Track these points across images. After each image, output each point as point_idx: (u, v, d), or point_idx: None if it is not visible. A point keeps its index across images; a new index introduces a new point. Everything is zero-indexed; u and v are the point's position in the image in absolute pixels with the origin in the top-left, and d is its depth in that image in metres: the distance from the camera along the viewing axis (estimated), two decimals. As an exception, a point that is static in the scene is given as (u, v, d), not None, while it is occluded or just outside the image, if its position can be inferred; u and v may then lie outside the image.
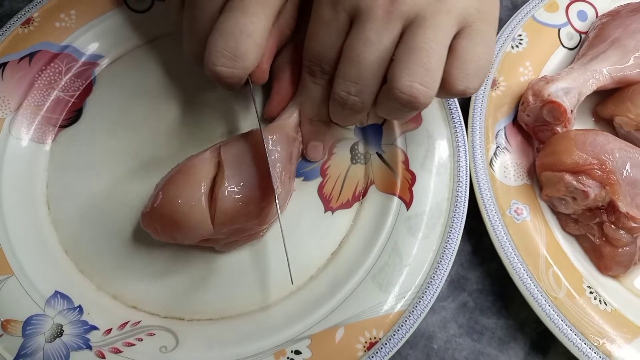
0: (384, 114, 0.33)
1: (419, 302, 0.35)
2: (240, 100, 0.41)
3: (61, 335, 0.34)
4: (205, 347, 0.34)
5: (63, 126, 0.40)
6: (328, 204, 0.39)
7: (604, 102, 0.43)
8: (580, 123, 0.43)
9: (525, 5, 0.45)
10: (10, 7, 0.46)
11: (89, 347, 0.34)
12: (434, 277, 0.35)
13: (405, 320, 0.34)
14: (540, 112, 0.39)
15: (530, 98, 0.39)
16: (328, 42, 0.32)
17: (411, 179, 0.38)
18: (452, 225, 0.37)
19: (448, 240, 0.36)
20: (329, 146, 0.40)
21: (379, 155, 0.40)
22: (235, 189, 0.32)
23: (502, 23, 0.45)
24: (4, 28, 0.40)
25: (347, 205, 0.39)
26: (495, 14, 0.32)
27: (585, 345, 0.35)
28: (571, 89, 0.39)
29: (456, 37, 0.30)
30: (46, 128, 0.40)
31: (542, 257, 0.37)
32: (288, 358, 0.33)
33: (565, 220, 0.39)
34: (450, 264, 0.36)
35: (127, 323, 0.35)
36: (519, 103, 0.41)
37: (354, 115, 0.34)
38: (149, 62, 0.42)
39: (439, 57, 0.29)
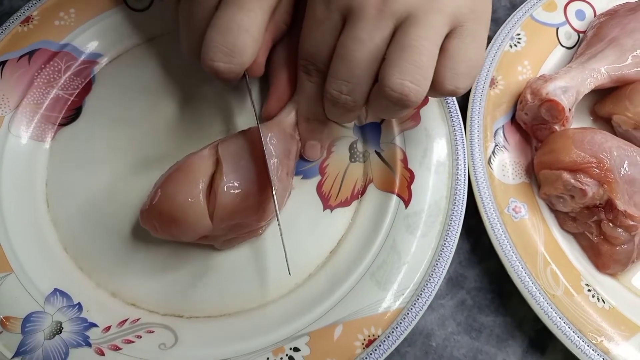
0: (375, 113, 0.33)
1: (417, 299, 0.35)
2: (239, 98, 0.41)
3: (60, 333, 0.34)
4: (204, 344, 0.34)
5: (62, 124, 0.40)
6: (327, 202, 0.39)
7: (602, 100, 0.43)
8: (578, 122, 0.43)
9: (523, 4, 0.45)
10: (9, 5, 0.46)
11: (88, 344, 0.34)
12: (432, 275, 0.35)
13: (404, 318, 0.34)
14: (538, 111, 0.39)
15: (529, 97, 0.39)
16: (322, 41, 0.32)
17: (410, 177, 0.38)
18: (451, 224, 0.37)
19: (446, 238, 0.36)
20: (326, 145, 0.40)
21: (378, 154, 0.40)
22: (234, 184, 0.33)
23: (500, 22, 0.45)
24: (4, 26, 0.40)
25: (345, 203, 0.39)
26: (487, 14, 0.32)
27: (583, 343, 0.35)
28: (569, 88, 0.39)
29: (448, 36, 0.30)
30: (45, 126, 0.40)
31: (540, 255, 0.38)
32: (287, 355, 0.34)
33: (563, 219, 0.39)
34: (449, 261, 0.36)
35: (126, 320, 0.35)
36: (517, 102, 0.41)
37: (347, 114, 0.34)
38: (148, 60, 0.42)
39: (430, 55, 0.29)
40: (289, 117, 0.37)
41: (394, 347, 0.34)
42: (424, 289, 0.35)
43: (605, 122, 0.43)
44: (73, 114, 0.40)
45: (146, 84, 0.41)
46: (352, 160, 0.40)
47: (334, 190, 0.39)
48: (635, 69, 0.41)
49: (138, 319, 0.35)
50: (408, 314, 0.34)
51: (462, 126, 0.40)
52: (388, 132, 0.40)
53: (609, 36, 0.42)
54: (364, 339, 0.34)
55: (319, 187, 0.39)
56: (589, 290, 0.37)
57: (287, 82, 0.37)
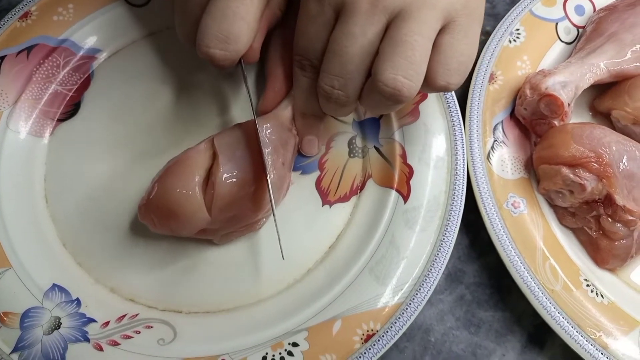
0: (368, 107, 0.33)
1: (416, 294, 0.35)
2: (238, 94, 0.41)
3: (59, 328, 0.34)
4: (202, 339, 0.34)
5: (61, 120, 0.40)
6: (326, 198, 0.39)
7: (601, 96, 0.43)
8: (577, 117, 0.43)
9: (523, -1, 0.45)
10: (8, 1, 0.46)
11: (87, 340, 0.34)
12: (431, 270, 0.35)
13: (403, 313, 0.34)
14: (537, 106, 0.39)
15: (528, 92, 0.39)
16: (315, 36, 0.32)
17: (409, 172, 0.38)
18: (450, 219, 0.37)
19: (445, 233, 0.36)
20: (324, 140, 0.40)
21: (377, 149, 0.40)
22: (231, 174, 0.33)
23: (499, 17, 0.45)
24: (2, 22, 0.40)
25: (344, 198, 0.39)
26: (480, 9, 0.32)
27: (582, 338, 0.35)
28: (568, 83, 0.39)
29: (440, 32, 0.30)
30: (44, 122, 0.40)
31: (539, 250, 0.38)
32: (285, 350, 0.34)
33: (562, 214, 0.39)
34: (448, 256, 0.36)
35: (124, 316, 0.35)
36: (517, 97, 0.41)
37: (341, 108, 0.34)
38: (147, 56, 0.42)
39: (423, 51, 0.29)
40: (285, 110, 0.37)
41: (392, 342, 0.34)
42: (423, 284, 0.35)
43: (605, 117, 0.43)
44: (72, 110, 0.40)
45: (145, 79, 0.41)
46: (351, 155, 0.40)
47: (333, 185, 0.39)
48: (635, 64, 0.41)
49: (137, 315, 0.35)
50: (407, 309, 0.34)
51: (461, 121, 0.39)
52: (387, 128, 0.40)
53: (608, 31, 0.42)
54: (363, 334, 0.34)
55: (318, 183, 0.39)
56: (587, 285, 0.37)
57: (283, 77, 0.37)
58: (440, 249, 0.36)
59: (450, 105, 0.40)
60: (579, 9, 0.46)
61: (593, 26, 0.44)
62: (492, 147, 0.40)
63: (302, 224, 0.38)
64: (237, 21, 0.31)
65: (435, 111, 0.40)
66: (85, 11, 0.41)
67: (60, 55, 0.40)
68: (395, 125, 0.40)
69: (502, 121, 0.41)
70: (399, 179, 0.38)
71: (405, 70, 0.29)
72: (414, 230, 0.37)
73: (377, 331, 0.34)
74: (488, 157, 0.40)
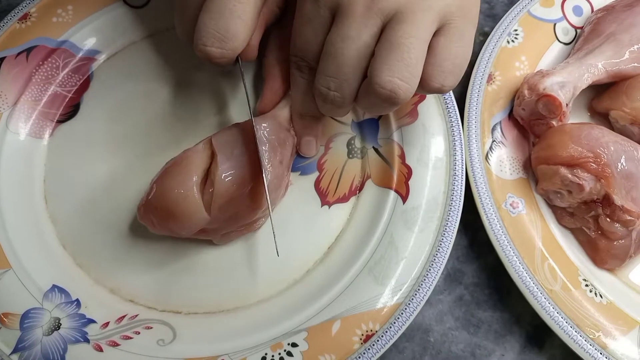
0: (364, 109, 0.33)
1: (415, 295, 0.35)
2: (237, 95, 0.41)
3: (59, 329, 0.34)
4: (202, 340, 0.34)
5: (60, 121, 0.40)
6: (325, 198, 0.39)
7: (599, 96, 0.43)
8: (575, 117, 0.43)
9: (521, 0, 0.45)
10: (7, 2, 0.46)
11: (87, 341, 0.34)
12: (430, 270, 0.35)
13: (402, 313, 0.34)
14: (535, 106, 0.39)
15: (526, 92, 0.39)
16: (312, 37, 0.33)
17: (407, 173, 0.38)
18: (448, 219, 0.37)
19: (444, 234, 0.36)
20: (323, 141, 0.40)
21: (376, 150, 0.40)
22: (229, 172, 0.33)
23: (498, 18, 0.46)
24: (2, 23, 0.40)
25: (343, 199, 0.39)
26: (475, 12, 0.32)
27: (581, 338, 0.35)
28: (566, 83, 0.39)
29: (435, 34, 0.31)
30: (44, 123, 0.40)
31: (538, 250, 0.38)
32: (285, 350, 0.34)
33: (560, 214, 0.39)
34: (446, 257, 0.36)
35: (124, 316, 0.35)
36: (515, 97, 0.41)
37: (337, 109, 0.34)
38: (146, 57, 0.42)
39: (419, 53, 0.29)
40: (283, 110, 0.37)
41: (391, 342, 0.34)
42: (422, 285, 0.35)
43: (603, 118, 0.43)
44: (71, 111, 0.40)
45: (144, 80, 0.41)
46: (350, 156, 0.40)
47: (332, 186, 0.39)
48: (632, 64, 0.41)
49: (136, 315, 0.35)
50: (406, 309, 0.35)
51: (460, 122, 0.40)
52: (386, 128, 0.40)
53: (606, 32, 0.42)
54: (362, 335, 0.34)
55: (317, 183, 0.39)
56: (586, 285, 0.37)
57: (281, 78, 0.37)
58: (439, 250, 0.36)
59: (449, 106, 0.40)
60: (577, 10, 0.46)
61: (591, 27, 0.44)
62: (491, 148, 0.40)
63: (301, 225, 0.38)
64: (234, 19, 0.31)
65: (433, 112, 0.40)
66: (84, 13, 0.41)
67: (60, 56, 0.40)
68: (394, 126, 0.40)
69: (500, 121, 0.41)
70: (398, 180, 0.38)
71: (401, 73, 0.29)
72: (412, 231, 0.37)
73: (377, 331, 0.34)
74: (486, 157, 0.40)
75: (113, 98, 0.41)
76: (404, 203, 0.38)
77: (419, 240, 0.36)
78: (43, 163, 0.39)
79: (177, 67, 0.42)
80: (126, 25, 0.42)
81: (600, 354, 0.35)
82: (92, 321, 0.34)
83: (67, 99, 0.41)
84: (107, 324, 0.35)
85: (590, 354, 0.35)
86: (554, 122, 0.39)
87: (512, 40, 0.44)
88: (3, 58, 0.39)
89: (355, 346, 0.34)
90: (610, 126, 0.42)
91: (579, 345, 0.35)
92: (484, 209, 0.38)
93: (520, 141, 0.42)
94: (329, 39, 0.31)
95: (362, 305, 0.35)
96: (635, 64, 0.41)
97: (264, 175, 0.33)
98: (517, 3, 0.45)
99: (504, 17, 0.45)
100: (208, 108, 0.41)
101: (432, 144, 0.39)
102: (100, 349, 0.33)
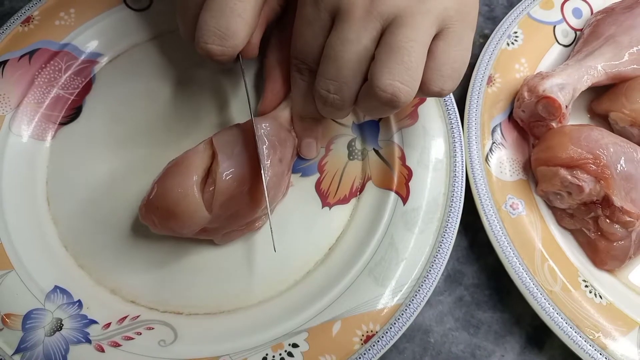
0: (364, 112, 0.33)
1: (415, 296, 0.35)
2: (239, 97, 0.41)
3: (61, 329, 0.34)
4: (203, 340, 0.35)
5: (63, 123, 0.40)
6: (325, 200, 0.39)
7: (599, 98, 0.43)
8: (575, 119, 0.43)
9: (520, 2, 0.46)
10: (10, 6, 0.46)
11: (89, 341, 0.34)
12: (430, 271, 0.36)
13: (402, 314, 0.35)
14: (535, 108, 0.39)
15: (526, 94, 0.40)
16: (312, 40, 0.33)
17: (408, 174, 0.39)
18: (448, 220, 0.37)
19: (444, 235, 0.37)
20: (323, 143, 0.40)
21: (376, 151, 0.40)
22: (230, 170, 0.33)
23: (497, 20, 0.46)
24: (5, 27, 0.40)
25: (344, 200, 0.39)
26: (474, 16, 0.32)
27: (580, 339, 0.35)
28: (566, 85, 0.39)
29: (434, 38, 0.31)
30: (46, 125, 0.40)
31: (538, 252, 0.38)
32: (285, 351, 0.34)
33: (560, 215, 0.40)
34: (447, 258, 0.36)
35: (126, 317, 0.35)
36: (515, 99, 0.41)
37: (337, 112, 0.34)
38: (148, 60, 0.42)
39: (419, 56, 0.30)
40: (284, 111, 0.37)
41: (392, 343, 0.34)
42: (422, 285, 0.35)
43: (602, 119, 0.43)
44: (73, 113, 0.41)
45: (146, 83, 0.42)
46: (351, 157, 0.41)
47: (333, 187, 0.40)
48: (632, 66, 0.41)
49: (138, 316, 0.35)
50: (406, 310, 0.35)
51: (460, 124, 0.40)
52: (386, 130, 0.40)
53: (605, 34, 0.42)
54: (363, 335, 0.34)
55: (318, 185, 0.40)
56: (586, 286, 0.37)
57: (282, 79, 0.38)
58: (439, 251, 0.36)
59: (449, 107, 0.40)
60: (577, 12, 0.46)
61: (590, 29, 0.44)
62: (491, 149, 0.40)
63: (302, 226, 0.38)
64: (235, 17, 0.31)
65: (434, 114, 0.40)
66: (86, 16, 0.41)
67: (62, 59, 0.41)
68: (394, 127, 0.40)
69: (500, 123, 0.42)
70: (398, 181, 0.39)
71: (401, 76, 0.29)
72: (413, 232, 0.37)
73: (377, 332, 0.34)
74: (486, 159, 0.40)
75: (115, 100, 0.41)
76: (404, 204, 0.38)
77: (419, 242, 0.37)
78: (45, 165, 0.39)
79: (179, 69, 0.42)
80: (128, 28, 0.42)
81: (600, 354, 0.35)
82: (93, 322, 0.35)
83: (70, 102, 0.41)
84: (108, 324, 0.35)
85: (590, 355, 0.35)
86: (554, 124, 0.40)
87: (512, 43, 0.44)
88: (6, 61, 0.39)
89: (356, 347, 0.34)
90: (610, 128, 0.42)
91: (579, 346, 0.35)
92: (484, 210, 0.38)
93: (520, 143, 0.42)
94: (329, 42, 0.32)
95: (362, 306, 0.35)
96: (635, 66, 0.41)
97: (262, 172, 0.33)
98: (517, 5, 0.46)
99: (504, 19, 0.45)
100: (209, 109, 0.41)
101: (433, 145, 0.39)
102: (101, 350, 0.34)
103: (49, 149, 0.40)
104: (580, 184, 0.37)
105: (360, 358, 0.34)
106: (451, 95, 0.40)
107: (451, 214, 0.37)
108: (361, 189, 0.40)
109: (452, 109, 0.40)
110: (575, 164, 0.37)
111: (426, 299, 0.35)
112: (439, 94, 0.32)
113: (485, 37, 0.46)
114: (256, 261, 0.37)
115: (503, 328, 0.39)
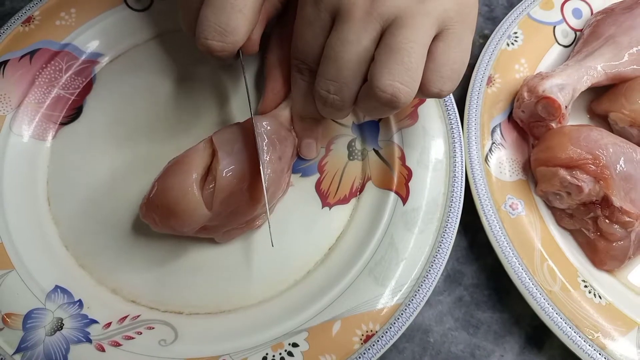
0: (364, 112, 0.34)
1: (415, 296, 0.35)
2: (240, 97, 0.42)
3: (61, 329, 0.34)
4: (203, 340, 0.35)
5: (63, 123, 0.40)
6: (325, 200, 0.39)
7: (598, 98, 0.43)
8: (575, 119, 0.43)
9: (520, 3, 0.46)
10: (11, 6, 0.46)
11: (89, 341, 0.34)
12: (429, 271, 0.36)
13: (402, 314, 0.35)
14: (535, 108, 0.39)
15: (525, 94, 0.40)
16: (312, 40, 0.33)
17: (407, 174, 0.39)
18: (448, 220, 0.37)
19: (444, 235, 0.37)
20: (323, 143, 0.40)
21: (376, 152, 0.40)
22: (230, 167, 0.33)
23: (497, 20, 0.46)
24: (5, 27, 0.40)
25: (344, 200, 0.39)
26: (473, 18, 0.33)
27: (580, 339, 0.35)
28: (565, 85, 0.39)
29: (434, 39, 0.31)
30: (47, 125, 0.40)
31: (537, 252, 0.38)
32: (285, 351, 0.34)
33: (560, 215, 0.40)
34: (446, 258, 0.36)
35: (126, 317, 0.35)
36: (514, 99, 0.41)
37: (337, 112, 0.34)
38: (149, 60, 0.42)
39: (419, 57, 0.30)
40: (284, 111, 0.37)
41: (391, 342, 0.34)
42: (422, 285, 0.35)
43: (602, 120, 0.43)
44: (74, 113, 0.41)
45: (146, 83, 0.42)
46: (351, 158, 0.41)
47: (333, 187, 0.40)
48: (632, 67, 0.41)
49: (138, 316, 0.35)
50: (406, 309, 0.35)
51: (460, 124, 0.40)
52: (386, 130, 0.41)
53: (605, 34, 0.42)
54: (362, 335, 0.34)
55: (318, 185, 0.40)
56: (585, 286, 0.37)
57: (282, 79, 0.38)
58: (439, 251, 0.36)
59: (449, 108, 0.40)
60: (577, 12, 0.47)
61: (590, 29, 0.44)
62: (490, 150, 0.40)
63: (302, 226, 0.38)
64: (235, 13, 0.32)
65: (433, 114, 0.40)
66: (87, 16, 0.41)
67: (63, 59, 0.41)
68: (394, 128, 0.40)
69: (500, 124, 0.42)
70: (398, 181, 0.39)
71: (401, 77, 0.29)
72: (412, 232, 0.37)
73: (377, 332, 0.34)
74: (486, 159, 0.40)
75: (115, 100, 0.41)
76: (404, 204, 0.38)
77: (419, 242, 0.37)
78: (46, 165, 0.39)
79: (179, 69, 0.42)
80: (129, 28, 0.42)
81: (599, 354, 0.35)
82: (94, 321, 0.35)
83: (70, 102, 0.41)
84: (109, 324, 0.35)
85: (589, 355, 0.35)
86: (553, 124, 0.40)
87: (512, 43, 0.44)
88: (7, 61, 0.39)
89: (356, 346, 0.34)
90: (610, 128, 0.42)
91: (578, 346, 0.35)
92: (484, 210, 0.38)
93: (519, 143, 0.42)
94: (329, 42, 0.32)
95: (362, 305, 0.35)
96: (634, 67, 0.41)
97: (261, 167, 0.33)
98: (517, 6, 0.46)
99: (504, 19, 0.45)
100: (209, 108, 0.41)
101: (432, 146, 0.39)
102: (102, 349, 0.34)
103: (50, 149, 0.40)
104: (580, 184, 0.37)
105: (360, 358, 0.34)
106: (451, 95, 0.40)
107: (451, 214, 0.37)
108: (361, 189, 0.40)
109: (452, 109, 0.40)
110: (575, 165, 0.37)
111: (426, 298, 0.35)
112: (438, 95, 0.32)
113: (485, 38, 0.46)
114: (256, 261, 0.37)
115: (502, 328, 0.39)
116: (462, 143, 0.39)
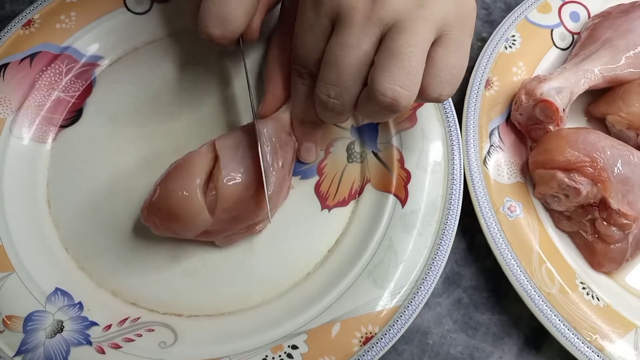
0: (364, 116, 0.34)
1: (414, 298, 0.35)
2: (240, 101, 0.42)
3: (62, 331, 0.34)
4: (203, 342, 0.35)
5: (63, 126, 0.41)
6: (325, 202, 0.39)
7: (596, 101, 0.43)
8: (573, 122, 0.44)
9: (518, 6, 0.46)
10: (11, 9, 0.46)
11: (89, 343, 0.34)
12: (428, 273, 0.36)
13: (401, 316, 0.35)
14: (532, 111, 0.40)
15: (523, 97, 0.40)
16: (313, 45, 0.33)
17: (406, 177, 0.39)
18: (447, 222, 0.37)
19: (442, 237, 0.37)
20: (322, 146, 0.41)
21: (375, 154, 0.41)
22: (233, 175, 0.33)
23: (495, 24, 0.46)
24: (6, 30, 0.40)
25: (343, 203, 0.40)
26: (472, 22, 0.33)
27: (578, 340, 0.36)
28: (563, 88, 0.39)
29: (433, 44, 0.31)
30: (47, 128, 0.40)
31: (536, 254, 0.38)
32: (285, 353, 0.34)
33: (558, 217, 0.40)
34: (445, 260, 0.36)
35: (126, 319, 0.35)
36: (512, 102, 0.42)
37: (337, 117, 0.34)
38: (148, 62, 0.43)
39: (418, 61, 0.30)
40: (285, 114, 0.38)
41: (390, 344, 0.34)
42: (421, 288, 0.35)
43: (600, 122, 0.44)
44: (74, 116, 0.41)
45: (146, 86, 0.42)
46: (350, 160, 0.41)
47: (332, 190, 0.40)
48: (628, 70, 0.41)
49: (138, 318, 0.36)
50: (405, 312, 0.35)
51: (458, 127, 0.40)
52: (385, 133, 0.41)
53: (602, 37, 0.43)
54: (361, 337, 0.34)
55: (317, 187, 0.40)
56: (583, 288, 0.38)
57: (282, 83, 0.38)
58: (437, 253, 0.36)
59: (447, 111, 0.40)
60: (574, 16, 0.47)
61: (588, 32, 0.44)
62: (489, 152, 0.41)
63: (301, 228, 0.39)
64: (235, 2, 0.33)
65: (432, 117, 0.40)
66: (87, 19, 0.42)
67: (63, 62, 0.41)
68: (393, 130, 0.40)
69: (498, 126, 0.42)
70: (397, 184, 0.39)
71: (402, 81, 0.29)
72: (411, 234, 0.37)
73: (376, 334, 0.34)
74: (484, 161, 0.40)
75: (115, 103, 0.41)
76: (402, 207, 0.38)
77: (418, 244, 0.37)
78: (46, 167, 0.39)
79: (179, 72, 0.42)
80: (129, 32, 0.43)
81: (598, 356, 0.35)
82: (94, 324, 0.35)
83: (70, 104, 0.41)
84: (109, 326, 0.35)
85: (587, 357, 0.35)
86: (551, 127, 0.40)
87: (510, 46, 0.44)
88: (7, 64, 0.40)
89: (355, 348, 0.34)
90: (607, 131, 0.43)
91: (576, 348, 0.35)
92: (482, 212, 0.38)
93: (517, 146, 0.42)
94: (329, 47, 0.32)
95: (361, 307, 0.35)
96: (631, 70, 0.41)
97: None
98: (515, 9, 0.46)
99: (502, 23, 0.45)
100: (211, 111, 0.41)
101: (431, 148, 0.39)
102: (102, 352, 0.34)
103: (50, 152, 0.40)
104: (578, 186, 0.37)
105: (359, 359, 0.34)
106: (449, 98, 0.40)
107: (449, 216, 0.37)
108: (360, 192, 0.40)
109: (451, 112, 0.40)
110: (573, 167, 0.37)
111: (424, 300, 0.35)
112: (438, 99, 0.32)
113: (483, 41, 0.46)
114: (256, 263, 0.38)
115: (501, 330, 0.39)
116: (461, 146, 0.39)
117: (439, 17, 0.30)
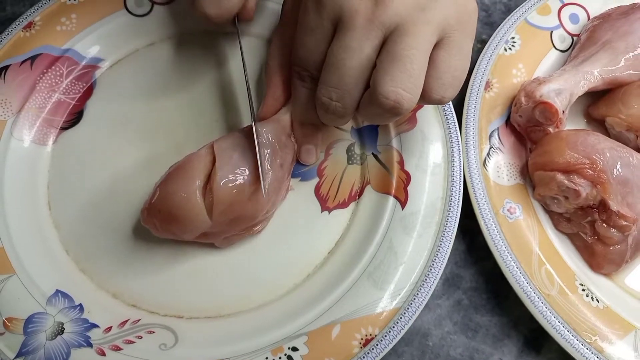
0: (366, 119, 0.34)
1: (414, 299, 0.35)
2: (240, 103, 0.42)
3: (62, 333, 0.34)
4: (204, 344, 0.35)
5: (64, 128, 0.41)
6: (325, 204, 0.40)
7: (595, 103, 0.43)
8: (572, 124, 0.44)
9: (518, 8, 0.46)
10: (12, 11, 0.47)
11: (90, 345, 0.34)
12: (428, 275, 0.36)
13: (401, 318, 0.35)
14: (532, 113, 0.40)
15: (523, 99, 0.40)
16: (314, 47, 0.33)
17: (406, 179, 0.39)
18: (447, 224, 0.37)
19: (442, 239, 0.37)
20: (322, 148, 0.41)
21: (375, 156, 0.41)
22: (229, 177, 0.33)
23: (495, 26, 0.46)
24: (6, 32, 0.41)
25: (343, 205, 0.40)
26: (473, 25, 0.33)
27: (577, 342, 0.36)
28: (563, 90, 0.39)
29: (435, 47, 0.31)
30: (47, 130, 0.40)
31: (535, 255, 0.38)
32: (285, 355, 0.34)
33: (557, 219, 0.40)
34: (445, 262, 0.36)
35: (127, 321, 0.35)
36: (512, 104, 0.42)
37: (339, 119, 0.34)
38: (149, 65, 0.43)
39: (421, 64, 0.30)
40: (285, 116, 0.38)
41: (390, 346, 0.34)
42: (421, 289, 0.35)
43: (599, 124, 0.44)
44: (74, 118, 0.41)
45: (146, 88, 0.42)
46: (350, 162, 0.41)
47: (332, 192, 0.40)
48: (628, 72, 0.41)
49: (139, 320, 0.36)
50: (405, 313, 0.35)
51: (458, 128, 0.40)
52: (385, 135, 0.41)
53: (602, 39, 0.43)
54: (362, 339, 0.34)
55: (317, 189, 0.40)
56: (583, 290, 0.38)
57: (283, 85, 0.38)
58: (437, 255, 0.36)
59: (447, 113, 0.40)
60: (574, 18, 0.47)
61: (587, 34, 0.44)
62: (488, 154, 0.41)
63: (301, 230, 0.39)
64: None
65: (432, 119, 0.40)
66: (88, 21, 0.42)
67: (64, 64, 0.41)
68: (392, 132, 0.40)
69: (497, 128, 0.42)
70: (397, 186, 0.39)
71: (404, 83, 0.30)
72: (411, 236, 0.37)
73: (376, 335, 0.34)
74: (484, 163, 0.40)
75: (116, 105, 0.41)
76: (402, 209, 0.38)
77: (418, 246, 0.37)
78: (47, 169, 0.40)
79: (180, 74, 0.42)
80: (129, 34, 0.43)
81: (597, 358, 0.35)
82: (95, 326, 0.35)
83: (71, 106, 0.41)
84: (109, 328, 0.35)
85: (587, 358, 0.35)
86: (551, 129, 0.40)
87: (510, 48, 0.44)
88: (8, 66, 0.40)
89: (355, 350, 0.34)
90: (607, 133, 0.43)
91: (576, 349, 0.36)
92: (482, 214, 0.39)
93: (517, 148, 0.42)
94: (331, 50, 0.32)
95: (361, 309, 0.35)
96: (631, 71, 0.41)
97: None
98: (515, 11, 0.46)
99: (502, 25, 0.45)
100: (210, 113, 0.41)
101: (431, 150, 0.39)
102: (103, 354, 0.34)
103: (50, 154, 0.40)
104: (577, 188, 0.37)
105: (359, 361, 0.34)
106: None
107: (449, 218, 0.37)
108: (360, 194, 0.40)
109: (450, 114, 0.40)
110: (572, 169, 0.37)
111: (424, 302, 0.35)
112: (440, 102, 0.32)
113: (483, 43, 0.46)
114: (256, 265, 0.38)
115: (501, 331, 0.39)
116: (461, 147, 0.40)
117: (440, 20, 0.31)
